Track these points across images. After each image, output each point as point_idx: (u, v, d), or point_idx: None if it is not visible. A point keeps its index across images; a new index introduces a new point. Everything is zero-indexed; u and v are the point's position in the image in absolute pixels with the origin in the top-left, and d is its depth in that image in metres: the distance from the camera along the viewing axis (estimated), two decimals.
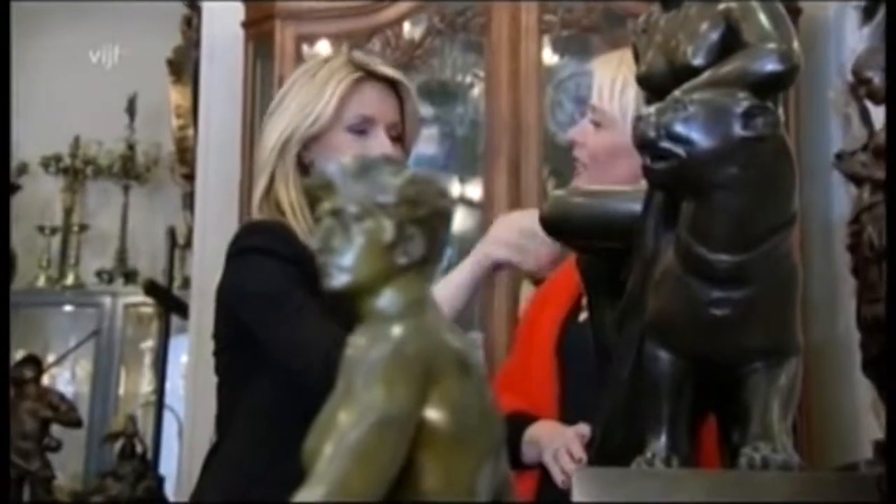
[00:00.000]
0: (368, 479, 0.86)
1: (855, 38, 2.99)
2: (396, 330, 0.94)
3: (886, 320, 1.67)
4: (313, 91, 1.96)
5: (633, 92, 2.05)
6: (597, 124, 2.11)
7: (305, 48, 3.52)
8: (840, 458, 2.88)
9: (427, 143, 3.82)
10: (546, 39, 3.49)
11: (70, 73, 6.24)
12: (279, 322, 1.81)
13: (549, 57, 3.63)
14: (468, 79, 3.84)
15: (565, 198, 1.57)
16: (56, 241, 6.31)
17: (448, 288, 1.96)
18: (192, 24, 4.79)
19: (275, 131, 1.96)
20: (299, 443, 1.81)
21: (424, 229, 0.98)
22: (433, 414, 0.91)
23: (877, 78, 1.96)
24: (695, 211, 1.31)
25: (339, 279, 0.98)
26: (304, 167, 1.97)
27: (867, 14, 3.05)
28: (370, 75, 1.99)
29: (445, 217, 1.00)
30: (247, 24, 3.61)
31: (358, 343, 0.92)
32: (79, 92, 6.21)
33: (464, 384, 0.93)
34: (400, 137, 2.01)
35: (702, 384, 1.39)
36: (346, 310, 1.92)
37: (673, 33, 1.44)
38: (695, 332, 1.33)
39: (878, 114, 2.23)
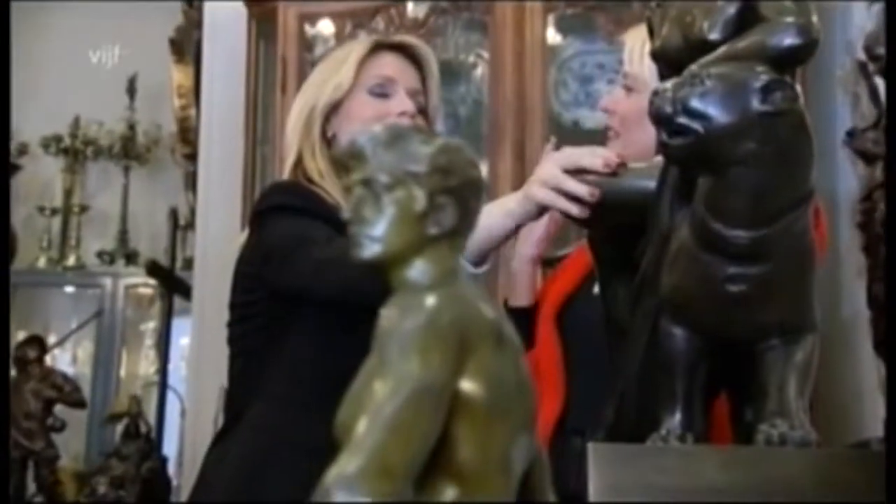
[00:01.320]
0: (407, 451, 0.85)
1: (863, 16, 2.96)
2: (430, 300, 0.93)
3: (887, 309, 1.67)
4: (332, 65, 2.01)
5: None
6: (629, 89, 2.11)
7: (308, 27, 3.50)
8: (845, 437, 2.88)
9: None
10: (550, 18, 3.47)
11: (70, 53, 6.22)
12: (324, 268, 1.73)
13: (553, 36, 3.61)
14: (471, 58, 3.82)
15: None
16: (56, 221, 6.30)
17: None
18: (193, 4, 4.77)
19: (297, 108, 1.99)
20: (334, 409, 1.79)
21: (455, 199, 0.97)
22: (468, 385, 0.90)
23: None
24: (711, 186, 1.29)
25: (370, 249, 0.97)
26: (327, 141, 1.98)
27: None
28: (387, 46, 2.01)
29: (476, 187, 0.99)
30: (249, 3, 3.59)
31: (390, 314, 0.91)
32: (79, 72, 6.19)
33: (499, 355, 0.92)
34: (423, 110, 2.01)
35: (714, 361, 1.38)
36: None
37: (688, 8, 1.42)
38: (711, 308, 1.32)
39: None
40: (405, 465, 0.84)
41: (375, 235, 0.96)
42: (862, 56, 2.72)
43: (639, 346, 1.42)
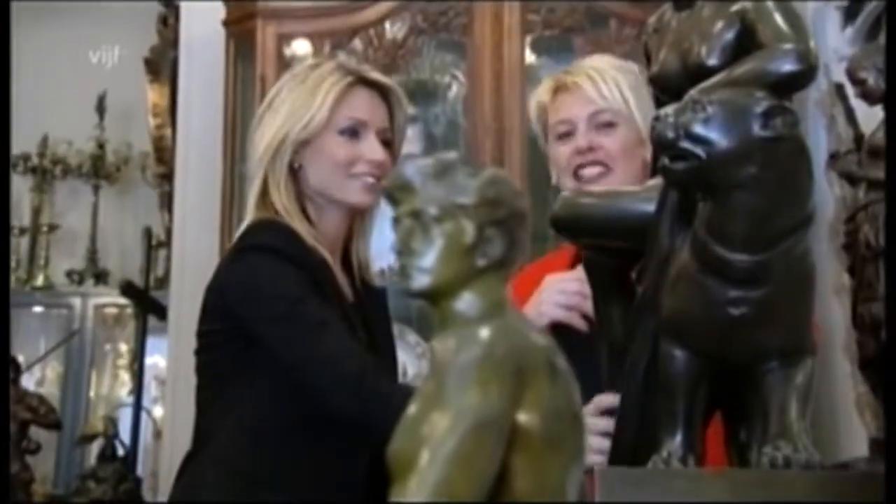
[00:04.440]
0: (471, 482, 0.85)
1: (837, 39, 3.01)
2: (484, 332, 0.94)
3: (886, 322, 1.69)
4: (304, 95, 1.95)
5: (625, 84, 2.11)
6: (609, 125, 2.11)
7: (286, 48, 3.51)
8: (823, 457, 2.90)
9: (407, 144, 3.81)
10: (528, 40, 3.49)
11: (38, 71, 6.18)
12: (303, 336, 1.80)
13: (528, 57, 3.63)
14: (446, 79, 3.83)
15: (576, 198, 1.57)
16: (25, 241, 6.25)
17: None
18: (167, 23, 4.76)
19: (267, 135, 1.96)
20: (300, 444, 1.82)
21: (503, 230, 0.98)
22: (525, 416, 0.91)
23: (871, 79, 1.98)
24: (712, 210, 1.31)
25: (419, 281, 0.98)
26: (293, 171, 1.96)
27: (849, 14, 3.06)
28: (361, 80, 1.98)
29: (523, 218, 0.99)
30: (227, 23, 3.59)
31: (446, 346, 0.92)
32: (47, 91, 6.15)
33: (553, 385, 0.93)
34: (389, 142, 2.00)
35: (709, 383, 1.39)
36: (361, 321, 1.93)
37: (686, 33, 1.44)
38: (711, 331, 1.33)
39: (865, 114, 2.25)
40: (469, 497, 0.84)
41: (425, 267, 0.97)
42: (837, 79, 2.76)
43: (638, 368, 1.43)
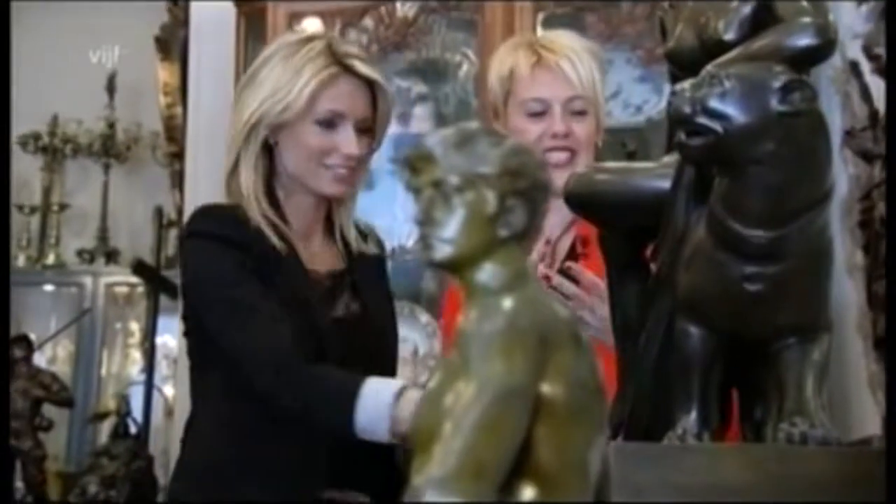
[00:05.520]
0: (496, 451, 0.85)
1: (852, 16, 2.98)
2: (507, 302, 0.94)
3: (887, 309, 1.68)
4: (288, 74, 1.92)
5: (596, 70, 2.16)
6: (580, 113, 2.12)
7: (297, 26, 3.49)
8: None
9: (418, 122, 3.81)
10: (539, 18, 3.47)
11: (48, 52, 6.17)
12: (231, 321, 1.82)
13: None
14: (457, 57, 3.82)
15: (590, 175, 1.56)
16: (35, 220, 6.25)
17: None
18: (178, 2, 4.75)
19: (245, 111, 1.94)
20: (261, 435, 1.83)
21: (525, 201, 0.97)
22: (549, 387, 0.91)
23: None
24: (729, 186, 1.30)
25: (441, 251, 0.97)
26: (268, 147, 1.95)
27: None
28: (347, 71, 1.96)
29: (544, 189, 0.99)
30: (238, 2, 3.58)
31: (469, 317, 0.91)
32: (57, 71, 6.15)
33: (577, 357, 0.93)
34: (369, 129, 1.99)
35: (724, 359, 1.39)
36: (350, 289, 1.94)
37: (702, 8, 1.43)
38: (728, 307, 1.33)
39: (880, 91, 2.23)
40: (495, 466, 0.84)
41: (446, 237, 0.96)
42: (852, 55, 2.74)
43: (654, 345, 1.42)
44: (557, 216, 2.04)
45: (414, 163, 0.97)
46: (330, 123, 1.93)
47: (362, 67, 1.96)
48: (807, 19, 1.32)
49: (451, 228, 0.97)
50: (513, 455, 0.87)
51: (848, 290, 2.87)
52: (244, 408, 1.84)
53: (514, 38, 2.37)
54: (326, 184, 1.94)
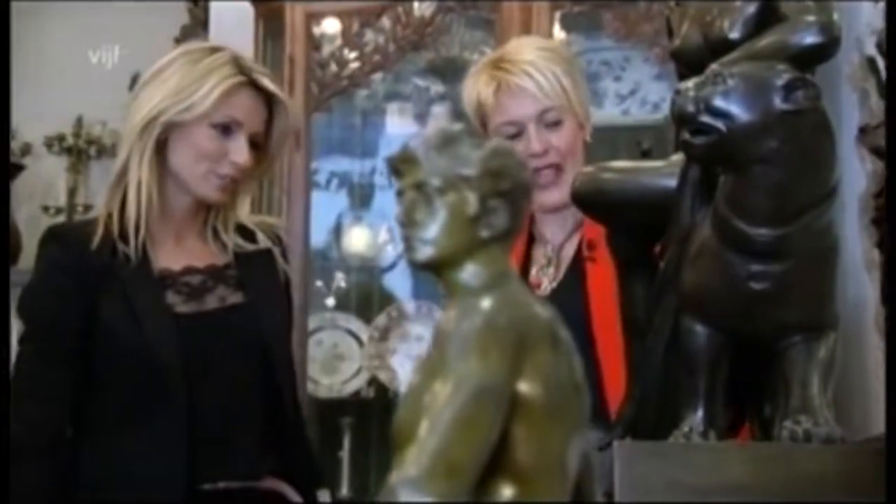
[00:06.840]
0: (470, 450, 0.86)
1: (870, 13, 2.97)
2: (486, 302, 0.95)
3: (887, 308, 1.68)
4: (193, 77, 1.94)
5: (561, 74, 2.10)
6: (555, 124, 2.10)
7: (315, 26, 3.50)
8: (851, 432, 2.88)
9: (437, 122, 3.81)
10: (556, 16, 3.47)
11: (72, 53, 6.21)
12: (19, 361, 1.96)
13: (558, 33, 3.60)
14: (475, 56, 3.82)
15: (597, 173, 1.56)
16: (61, 220, 6.29)
17: None
18: (198, 3, 4.76)
19: (145, 106, 1.96)
20: (117, 440, 1.89)
21: (507, 202, 0.98)
22: (526, 386, 0.91)
23: None
24: (734, 185, 1.30)
25: (422, 252, 0.98)
26: (159, 144, 1.98)
27: None
28: (251, 84, 1.98)
29: (526, 189, 1.00)
30: (256, 3, 3.59)
31: (449, 316, 0.92)
32: (81, 72, 6.18)
33: (555, 356, 0.94)
34: (260, 146, 2.01)
35: (733, 357, 1.39)
36: (236, 283, 1.99)
37: (708, 7, 1.43)
38: (733, 306, 1.33)
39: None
40: (469, 464, 0.85)
41: (427, 238, 0.97)
42: (870, 52, 2.73)
43: (660, 343, 1.43)
44: (557, 224, 2.08)
45: (397, 165, 0.98)
46: (226, 129, 1.96)
47: (266, 82, 2.00)
48: (811, 18, 1.32)
49: (433, 230, 0.98)
50: (487, 453, 0.88)
51: (866, 287, 2.85)
52: (96, 417, 1.93)
53: (477, 64, 2.33)
54: (208, 190, 1.97)
